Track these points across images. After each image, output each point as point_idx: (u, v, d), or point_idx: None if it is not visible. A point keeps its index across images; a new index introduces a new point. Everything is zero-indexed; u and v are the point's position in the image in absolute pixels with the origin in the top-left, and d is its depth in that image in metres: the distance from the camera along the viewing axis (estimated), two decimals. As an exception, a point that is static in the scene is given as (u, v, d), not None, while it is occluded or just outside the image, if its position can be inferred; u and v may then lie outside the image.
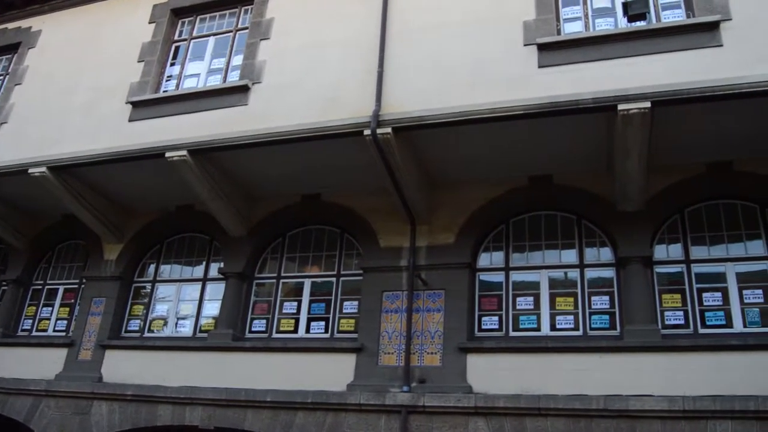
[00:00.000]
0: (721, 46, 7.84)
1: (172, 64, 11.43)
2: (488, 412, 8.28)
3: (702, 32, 7.97)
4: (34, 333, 12.00)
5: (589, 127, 8.39)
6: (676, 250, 8.95)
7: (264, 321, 10.43)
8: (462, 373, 8.73)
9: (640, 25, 8.48)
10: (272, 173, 10.21)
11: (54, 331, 11.86)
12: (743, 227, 8.84)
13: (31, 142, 10.98)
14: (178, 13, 11.79)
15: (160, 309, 11.31)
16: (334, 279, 10.37)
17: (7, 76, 12.68)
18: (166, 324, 11.11)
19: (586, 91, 7.92)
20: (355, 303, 9.96)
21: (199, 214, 11.19)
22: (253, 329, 10.45)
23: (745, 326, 8.23)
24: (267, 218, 10.86)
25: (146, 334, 11.12)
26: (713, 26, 7.94)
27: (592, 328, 8.79)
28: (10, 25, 13.16)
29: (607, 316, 8.81)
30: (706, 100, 7.56)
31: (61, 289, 12.29)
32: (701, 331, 8.35)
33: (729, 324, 8.30)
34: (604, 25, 8.94)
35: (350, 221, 10.36)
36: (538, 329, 8.98)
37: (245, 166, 10.06)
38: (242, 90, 9.99)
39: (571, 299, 9.03)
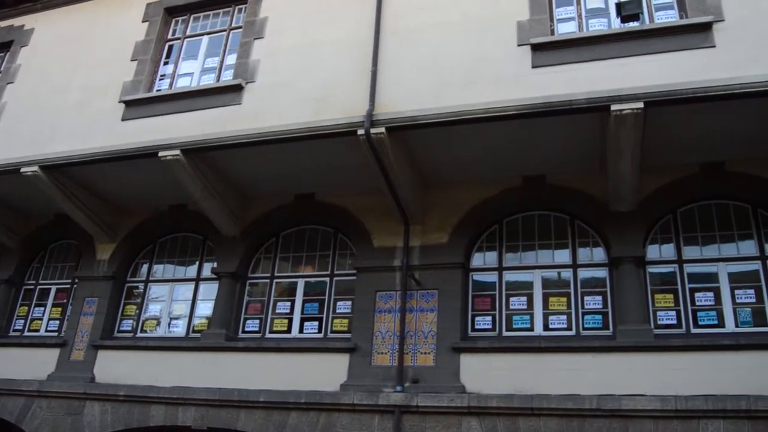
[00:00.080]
0: (714, 46, 7.87)
1: (166, 63, 11.39)
2: (481, 411, 8.29)
3: (695, 33, 7.99)
4: (26, 333, 11.94)
5: (582, 128, 8.41)
6: (668, 250, 8.98)
7: (257, 321, 10.42)
8: (455, 373, 8.74)
9: (633, 25, 8.50)
10: (266, 173, 10.19)
11: (46, 331, 11.81)
12: (735, 227, 8.88)
13: (24, 141, 10.92)
14: (172, 12, 11.75)
15: (152, 309, 11.28)
16: (327, 279, 10.36)
17: (-1, 75, 12.62)
18: (158, 324, 11.08)
19: (579, 92, 7.94)
20: (349, 303, 9.96)
21: (192, 214, 11.17)
22: (246, 329, 10.43)
23: (737, 326, 8.27)
24: (260, 218, 10.84)
25: (139, 334, 11.08)
26: (706, 27, 7.96)
27: (585, 328, 8.81)
28: (3, 24, 13.08)
29: (600, 316, 8.83)
30: (699, 101, 7.59)
31: (54, 288, 12.24)
32: (693, 330, 8.38)
33: (721, 324, 8.34)
34: (597, 26, 8.96)
35: (344, 221, 10.35)
36: (531, 329, 9.00)
37: (239, 166, 10.04)
38: (236, 89, 9.96)
39: (564, 299, 9.05)
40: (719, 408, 7.48)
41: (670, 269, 8.88)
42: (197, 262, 11.34)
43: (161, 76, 11.24)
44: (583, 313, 8.90)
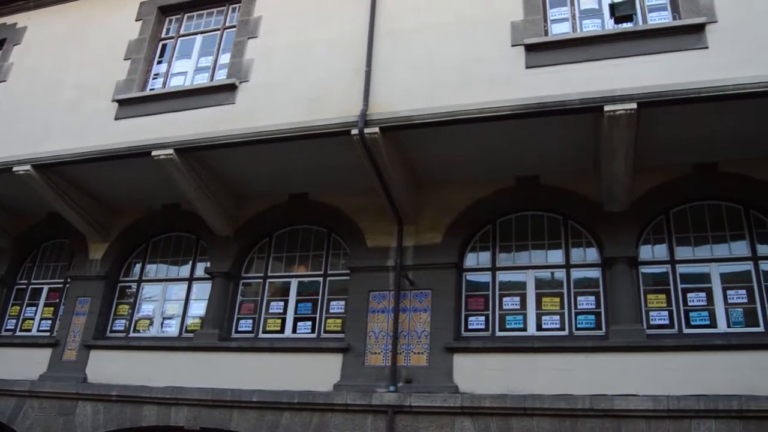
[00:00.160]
0: (707, 48, 7.90)
1: (159, 62, 11.35)
2: (474, 411, 8.29)
3: (688, 34, 8.03)
4: (17, 333, 11.88)
5: (575, 128, 8.43)
6: (661, 251, 9.01)
7: (250, 321, 10.40)
8: (448, 373, 8.74)
9: (626, 26, 8.52)
10: (259, 172, 10.17)
11: (38, 331, 11.76)
12: (728, 228, 8.91)
13: (16, 139, 10.87)
14: (166, 11, 11.71)
15: (145, 309, 11.25)
16: (321, 279, 10.35)
17: (-8, 73, 12.55)
18: (151, 324, 11.05)
19: (573, 92, 7.96)
20: (342, 303, 9.95)
21: (186, 214, 11.14)
22: (239, 329, 10.41)
23: (729, 326, 8.31)
24: (254, 218, 10.82)
25: (132, 334, 11.04)
26: (699, 28, 8.00)
27: (578, 328, 8.83)
28: (-5, 22, 13.04)
29: (592, 316, 8.85)
30: (692, 102, 7.62)
31: (46, 288, 12.19)
32: (686, 331, 8.41)
33: (713, 324, 8.38)
34: (591, 27, 8.98)
35: (337, 221, 10.34)
36: (524, 329, 9.01)
37: (232, 165, 10.02)
38: (229, 89, 9.94)
39: (558, 299, 9.07)
40: (711, 408, 7.51)
41: (662, 269, 8.91)
42: (190, 262, 11.31)
43: (155, 75, 11.20)
44: (576, 314, 8.92)
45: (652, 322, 8.58)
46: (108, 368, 10.41)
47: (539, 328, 8.96)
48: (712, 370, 7.78)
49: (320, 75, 9.49)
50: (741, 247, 8.75)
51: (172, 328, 10.85)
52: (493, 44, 8.84)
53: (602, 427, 7.81)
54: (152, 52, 11.36)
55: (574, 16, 9.13)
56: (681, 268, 8.81)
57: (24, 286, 12.37)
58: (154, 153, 9.61)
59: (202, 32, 11.39)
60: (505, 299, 9.29)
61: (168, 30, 11.68)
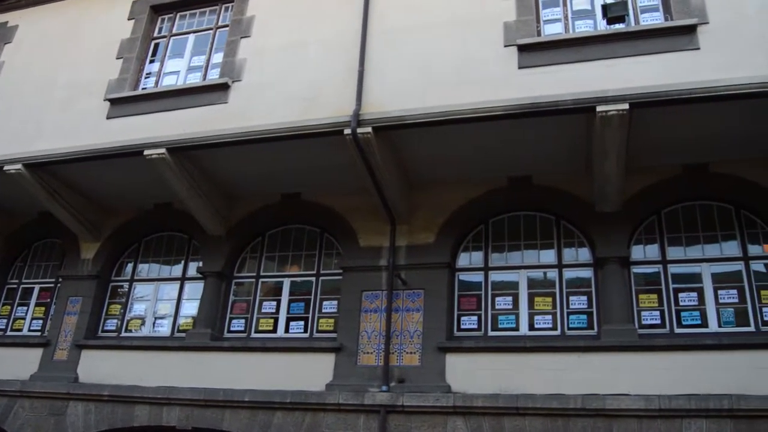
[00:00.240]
0: (699, 49, 7.93)
1: (152, 61, 11.31)
2: (467, 411, 8.30)
3: (680, 35, 8.06)
4: (8, 333, 11.80)
5: (568, 128, 8.45)
6: (652, 251, 9.05)
7: (243, 320, 10.38)
8: (441, 372, 8.75)
9: (619, 27, 8.54)
10: (252, 172, 10.15)
11: (29, 330, 11.70)
12: (719, 228, 8.96)
13: (7, 138, 10.81)
14: (158, 10, 11.67)
15: (137, 308, 11.21)
16: (313, 278, 10.34)
17: (-18, 72, 12.47)
18: (143, 323, 11.01)
19: (565, 93, 7.97)
20: (335, 303, 9.95)
21: (178, 213, 11.10)
22: (231, 329, 10.39)
23: (720, 326, 8.35)
24: (246, 217, 10.80)
25: (123, 334, 11.00)
26: (691, 29, 8.03)
27: (570, 328, 8.85)
28: (-14, 20, 12.96)
29: (584, 316, 8.88)
30: (684, 103, 7.65)
31: (37, 288, 12.12)
32: (677, 330, 8.45)
33: (704, 324, 8.41)
34: (583, 27, 9.00)
35: (330, 221, 10.33)
36: (516, 329, 9.03)
37: (224, 165, 10.00)
38: (222, 88, 9.92)
39: (550, 299, 9.09)
40: (702, 407, 7.54)
41: (654, 269, 8.95)
42: (182, 262, 11.28)
43: (147, 74, 11.16)
44: (568, 313, 8.94)
45: (643, 322, 8.62)
46: (99, 368, 10.37)
47: (531, 327, 8.98)
48: (703, 370, 7.82)
49: (313, 75, 9.48)
50: (732, 247, 8.79)
51: (164, 328, 10.81)
52: (486, 44, 8.86)
53: (594, 426, 7.83)
54: (144, 51, 11.33)
55: (566, 17, 9.16)
56: (672, 268, 8.85)
57: (15, 286, 12.30)
58: (146, 152, 9.58)
59: (194, 31, 11.36)
60: (497, 299, 9.30)
61: (160, 29, 11.64)
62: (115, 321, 11.15)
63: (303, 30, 9.99)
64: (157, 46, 11.48)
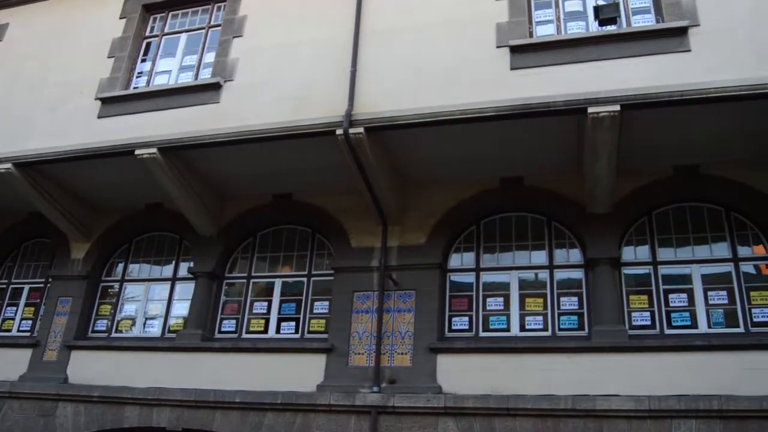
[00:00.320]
0: (690, 51, 7.98)
1: (143, 61, 11.27)
2: (457, 412, 8.31)
3: (671, 37, 8.10)
4: (-3, 333, 11.76)
5: (559, 130, 8.46)
6: (643, 252, 9.07)
7: (234, 321, 10.35)
8: (432, 373, 8.75)
9: (610, 29, 8.57)
10: (243, 172, 10.13)
11: (18, 331, 11.63)
12: (709, 230, 8.99)
13: (-3, 137, 10.77)
14: (150, 9, 11.63)
15: (128, 309, 11.16)
16: (305, 279, 10.32)
17: (-27, 71, 12.39)
18: (134, 324, 10.96)
19: (557, 94, 8.00)
20: (326, 303, 9.93)
21: (169, 213, 11.06)
22: (222, 329, 10.36)
23: (709, 327, 8.38)
24: (237, 218, 10.78)
25: (113, 335, 10.94)
26: (682, 32, 8.07)
27: (560, 329, 8.87)
28: (-24, 19, 12.88)
29: (575, 317, 8.90)
30: (675, 104, 7.68)
31: (27, 288, 12.05)
32: (667, 331, 8.48)
33: (694, 325, 8.44)
34: (575, 29, 9.04)
35: (322, 221, 10.32)
36: (507, 330, 9.04)
37: (216, 165, 9.97)
38: (214, 88, 9.90)
39: (541, 300, 9.11)
40: (692, 408, 7.57)
41: (644, 271, 8.98)
42: (173, 262, 11.25)
43: (138, 73, 11.12)
44: (559, 314, 8.96)
45: (634, 323, 8.64)
46: (89, 369, 10.32)
47: (522, 328, 9.00)
48: (693, 371, 7.85)
49: (305, 75, 9.47)
50: (722, 249, 8.83)
51: (155, 329, 10.77)
52: (479, 45, 8.87)
53: (584, 427, 7.85)
54: (136, 50, 11.29)
55: (558, 18, 9.19)
56: (663, 270, 8.88)
57: (4, 286, 12.22)
58: (137, 152, 9.54)
59: (186, 31, 11.33)
60: (488, 300, 9.31)
61: (152, 28, 11.61)
62: (106, 321, 11.10)
63: (295, 30, 9.98)
64: (148, 45, 11.44)
